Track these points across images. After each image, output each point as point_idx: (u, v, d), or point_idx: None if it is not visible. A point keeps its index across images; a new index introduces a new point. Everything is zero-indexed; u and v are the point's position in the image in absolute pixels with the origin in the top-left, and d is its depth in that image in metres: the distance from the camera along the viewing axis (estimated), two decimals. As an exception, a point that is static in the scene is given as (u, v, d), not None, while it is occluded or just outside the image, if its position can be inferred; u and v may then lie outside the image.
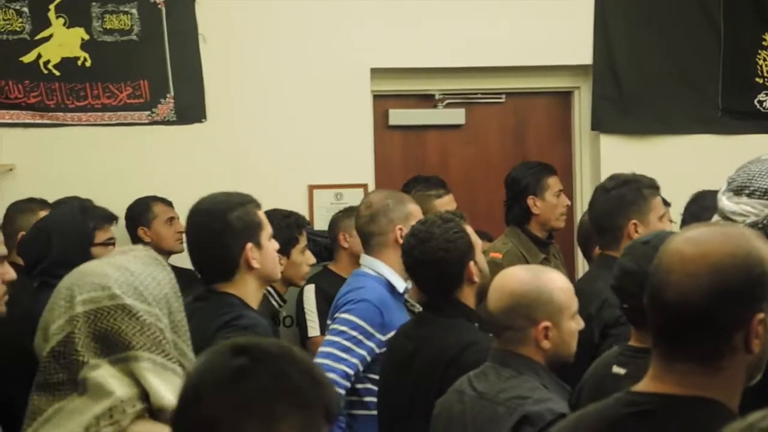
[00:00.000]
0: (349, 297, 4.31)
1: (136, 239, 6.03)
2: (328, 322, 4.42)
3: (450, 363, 3.56)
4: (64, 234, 4.29)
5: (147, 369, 2.21)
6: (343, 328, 4.19)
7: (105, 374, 2.21)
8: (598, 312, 4.10)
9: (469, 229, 3.83)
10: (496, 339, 3.24)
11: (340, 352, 4.14)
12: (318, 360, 4.11)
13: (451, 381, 3.40)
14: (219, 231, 3.48)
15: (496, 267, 5.05)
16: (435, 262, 3.71)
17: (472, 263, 3.74)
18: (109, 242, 5.14)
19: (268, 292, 4.86)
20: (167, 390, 2.18)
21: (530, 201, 5.67)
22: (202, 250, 3.57)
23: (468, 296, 3.76)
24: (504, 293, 3.20)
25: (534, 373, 3.14)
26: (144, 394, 2.22)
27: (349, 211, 6.00)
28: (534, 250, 5.46)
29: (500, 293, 3.21)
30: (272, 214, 5.00)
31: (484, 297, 3.78)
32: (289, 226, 5.18)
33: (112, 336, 2.23)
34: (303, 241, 5.25)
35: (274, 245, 3.60)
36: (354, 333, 4.16)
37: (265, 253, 3.52)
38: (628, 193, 4.41)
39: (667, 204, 4.81)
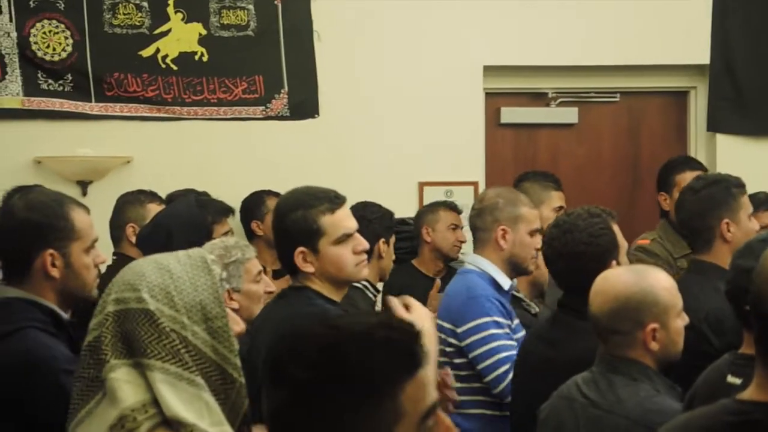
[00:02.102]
0: (467, 296, 4.26)
1: (249, 232, 6.10)
2: (444, 324, 4.36)
3: (583, 367, 3.46)
4: (183, 228, 4.32)
5: (158, 379, 2.19)
6: (494, 331, 4.13)
7: (120, 378, 2.20)
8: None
9: (616, 229, 3.72)
10: (603, 343, 3.15)
11: (508, 341, 4.12)
12: (488, 361, 4.11)
13: None
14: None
15: (646, 253, 5.01)
16: (575, 255, 3.60)
17: (613, 263, 3.60)
18: (227, 235, 5.18)
19: (364, 286, 4.85)
20: (177, 400, 2.14)
21: (660, 197, 5.56)
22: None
23: None
24: (609, 297, 3.11)
25: (646, 378, 3.07)
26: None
27: (433, 206, 6.01)
28: (680, 244, 5.31)
29: (605, 297, 3.12)
30: (366, 211, 5.04)
31: None
32: (382, 219, 5.17)
33: (133, 340, 2.22)
34: (391, 235, 5.24)
35: (354, 247, 3.56)
36: (497, 330, 4.12)
37: (323, 258, 3.50)
38: (718, 193, 4.27)
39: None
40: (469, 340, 4.21)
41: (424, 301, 5.50)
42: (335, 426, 1.64)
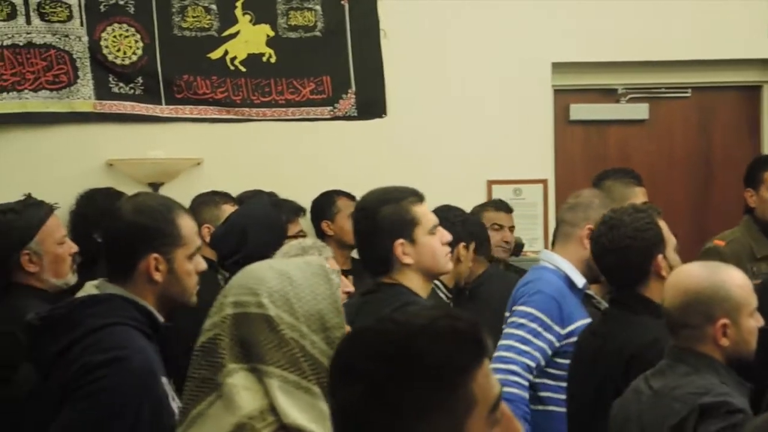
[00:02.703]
0: (526, 290, 4.28)
1: (319, 232, 6.12)
2: (506, 314, 4.39)
3: (631, 360, 3.50)
4: (258, 228, 4.37)
5: (277, 386, 2.18)
6: (523, 320, 4.15)
7: (238, 384, 2.20)
8: None
9: (663, 225, 3.75)
10: (673, 337, 3.18)
11: (522, 345, 4.11)
12: (499, 353, 4.11)
13: (632, 379, 3.35)
14: (369, 229, 3.59)
15: (717, 255, 4.96)
16: (621, 250, 3.65)
17: (660, 257, 3.65)
18: (300, 235, 5.21)
19: (436, 285, 4.86)
20: (294, 408, 2.14)
21: (747, 193, 5.48)
22: (360, 245, 3.71)
23: (655, 291, 3.64)
24: (680, 290, 3.13)
25: (713, 371, 3.07)
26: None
27: (486, 204, 5.97)
28: (763, 242, 5.25)
29: (676, 290, 3.14)
30: (441, 210, 5.04)
31: None
32: (464, 224, 5.16)
33: (252, 345, 2.22)
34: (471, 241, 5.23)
35: (441, 238, 3.63)
36: (533, 325, 4.12)
37: (420, 248, 3.56)
38: None
39: None
40: (511, 319, 4.24)
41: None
42: (411, 418, 1.64)
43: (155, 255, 3.03)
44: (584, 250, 4.25)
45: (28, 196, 4.40)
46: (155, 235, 3.04)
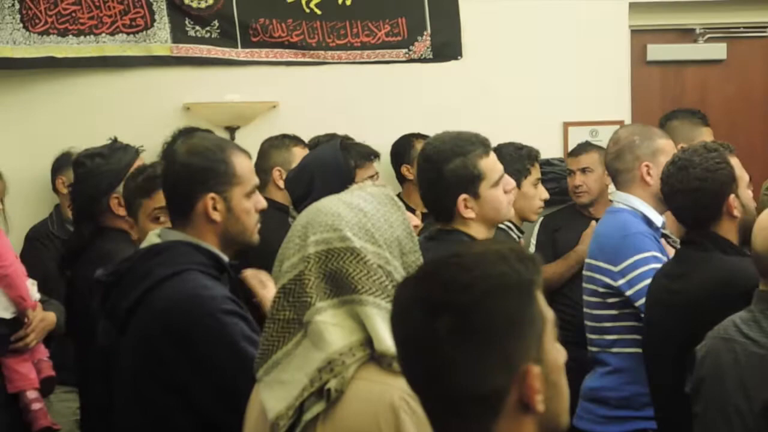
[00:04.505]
0: (617, 236, 4.22)
1: (399, 176, 6.13)
2: (595, 262, 4.32)
3: (711, 298, 3.46)
4: (325, 172, 4.39)
5: (372, 313, 2.21)
6: (654, 265, 4.04)
7: (327, 321, 2.22)
8: None
9: (735, 162, 3.69)
10: (763, 280, 3.11)
11: None
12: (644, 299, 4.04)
13: (712, 317, 3.27)
14: (434, 180, 3.59)
15: None
16: (691, 191, 3.61)
17: (732, 197, 3.61)
18: (373, 179, 5.21)
19: (507, 227, 4.84)
20: (389, 335, 2.19)
21: None
22: (424, 194, 3.69)
23: (728, 230, 3.63)
24: None
25: None
26: (368, 340, 2.22)
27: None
28: None
29: (766, 232, 3.06)
30: (504, 147, 5.01)
31: (746, 234, 3.67)
32: (520, 158, 5.12)
33: (341, 278, 2.24)
34: (535, 173, 5.17)
35: (505, 186, 3.62)
36: (657, 265, 4.02)
37: (483, 202, 3.56)
38: None
39: None
40: (628, 277, 4.15)
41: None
42: (502, 338, 1.70)
43: (212, 194, 3.06)
44: (649, 186, 4.22)
45: (114, 141, 4.45)
46: (210, 175, 3.07)
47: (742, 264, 3.48)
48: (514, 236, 4.97)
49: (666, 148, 4.30)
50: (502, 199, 3.63)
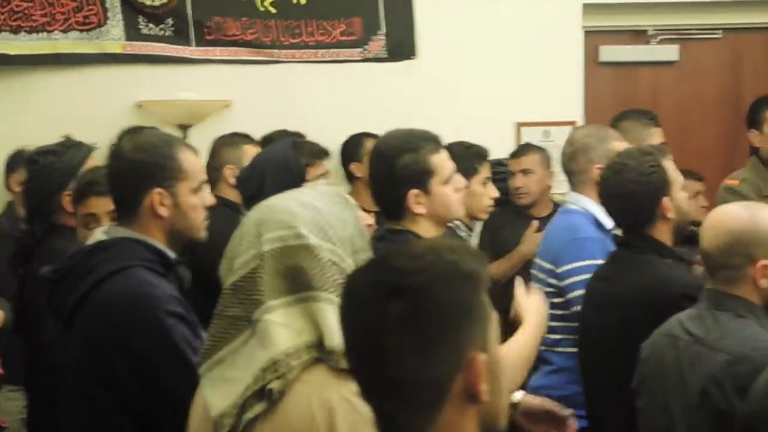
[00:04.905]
0: (566, 240, 4.27)
1: (348, 174, 6.14)
2: (542, 263, 4.36)
3: (641, 300, 3.52)
4: (276, 170, 4.38)
5: (326, 309, 2.20)
6: (588, 275, 4.08)
7: (276, 321, 2.22)
8: None
9: (670, 165, 3.74)
10: (711, 279, 3.15)
11: None
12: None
13: (642, 319, 3.37)
14: (385, 176, 3.56)
15: (735, 194, 4.97)
16: (626, 195, 3.67)
17: (666, 199, 3.66)
18: (323, 177, 5.21)
19: (456, 225, 4.86)
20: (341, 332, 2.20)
21: (750, 134, 5.50)
22: (375, 190, 3.66)
23: (663, 233, 3.68)
24: (720, 231, 3.10)
25: (753, 315, 3.05)
26: (316, 342, 2.21)
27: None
28: None
29: (716, 231, 3.11)
30: (453, 145, 5.02)
31: (680, 235, 3.74)
32: (469, 157, 5.13)
33: (297, 275, 2.24)
34: (484, 172, 5.19)
35: (455, 184, 3.61)
36: None
37: (434, 198, 3.54)
38: None
39: None
40: (568, 281, 4.22)
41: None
42: (451, 324, 1.71)
43: (158, 190, 3.05)
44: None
45: (68, 138, 4.43)
46: (156, 170, 3.06)
47: (674, 270, 3.58)
48: (463, 235, 4.99)
49: (620, 149, 4.32)
50: (453, 197, 3.61)
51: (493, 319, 1.78)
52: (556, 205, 5.77)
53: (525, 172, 5.82)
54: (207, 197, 3.18)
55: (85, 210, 3.80)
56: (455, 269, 1.73)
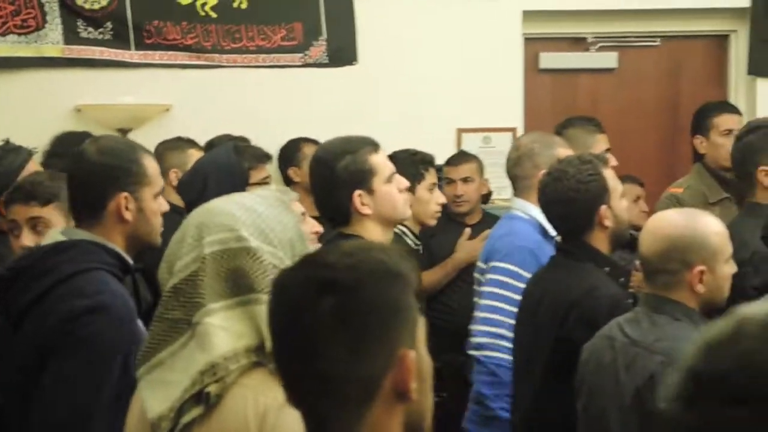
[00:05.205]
0: (503, 244, 4.30)
1: (287, 179, 6.13)
2: (482, 265, 4.40)
3: (571, 307, 3.57)
4: (219, 174, 4.37)
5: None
6: (506, 278, 4.18)
7: (216, 324, 2.22)
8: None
9: (610, 173, 3.78)
10: (648, 284, 3.21)
11: (507, 306, 4.13)
12: (485, 314, 4.17)
13: (570, 325, 3.45)
14: (327, 180, 3.58)
15: (677, 202, 5.02)
16: (565, 202, 3.70)
17: (604, 207, 3.70)
18: (265, 181, 5.20)
19: (402, 231, 4.87)
20: None
21: (696, 140, 5.54)
22: (318, 196, 3.68)
23: (599, 240, 3.73)
24: (658, 237, 3.16)
25: (689, 319, 3.10)
26: (255, 346, 2.22)
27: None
28: (715, 188, 5.30)
29: (654, 237, 3.17)
30: (399, 152, 5.04)
31: (619, 241, 3.78)
32: (414, 163, 5.15)
33: (239, 277, 2.24)
34: (430, 178, 5.20)
35: (398, 185, 3.63)
36: (518, 283, 4.11)
37: (378, 198, 3.55)
38: (757, 140, 4.31)
39: None
40: (490, 276, 4.27)
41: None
42: (382, 321, 1.72)
43: (125, 194, 3.04)
44: None
45: (6, 142, 4.38)
46: (122, 174, 3.05)
47: (604, 280, 3.63)
48: (410, 242, 4.99)
49: (564, 156, 4.34)
50: (397, 197, 3.63)
51: (421, 321, 1.79)
52: (485, 213, 5.81)
53: (465, 180, 5.83)
54: (163, 203, 3.18)
55: (10, 216, 3.77)
56: (385, 268, 1.74)
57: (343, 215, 3.60)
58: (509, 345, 4.05)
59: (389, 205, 3.60)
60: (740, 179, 4.47)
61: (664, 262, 3.13)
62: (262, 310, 2.20)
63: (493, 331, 4.14)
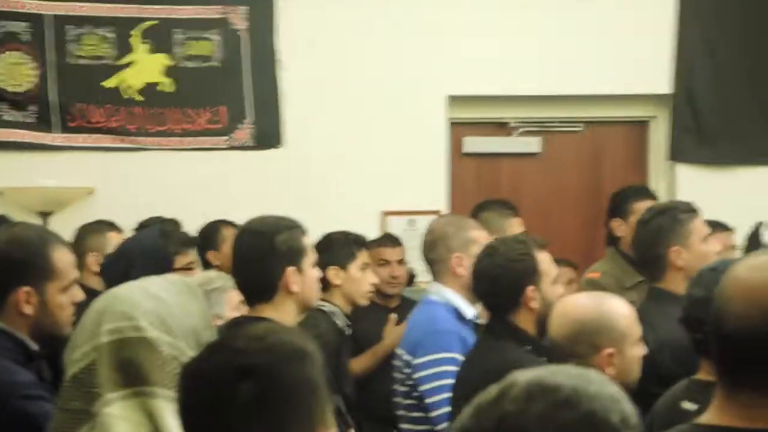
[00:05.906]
0: (427, 333, 4.26)
1: (205, 262, 6.07)
2: (404, 355, 4.35)
3: (477, 386, 3.52)
4: (143, 258, 4.33)
5: (161, 407, 2.18)
6: (445, 367, 4.10)
7: (116, 414, 2.19)
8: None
9: (545, 257, 3.80)
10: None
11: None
12: (443, 410, 4.07)
13: None
14: (264, 252, 3.52)
15: (597, 287, 5.03)
16: (492, 278, 3.72)
17: (531, 288, 3.70)
18: (189, 267, 5.15)
19: (332, 312, 4.85)
20: (177, 429, 2.16)
21: (614, 223, 5.58)
22: (246, 270, 3.59)
23: (525, 321, 3.72)
24: (567, 320, 3.18)
25: None
26: None
27: (372, 242, 5.85)
28: (630, 273, 5.32)
29: (563, 320, 3.19)
30: (333, 233, 5.05)
31: (544, 326, 3.77)
32: (347, 243, 5.15)
33: (133, 369, 2.21)
34: (362, 258, 5.20)
35: (317, 273, 3.63)
36: (450, 367, 4.06)
37: (305, 279, 3.54)
38: (665, 222, 4.34)
39: (727, 229, 4.74)
40: (422, 373, 4.21)
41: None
42: (302, 402, 1.73)
43: (26, 288, 3.01)
44: (460, 277, 4.27)
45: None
46: (26, 268, 3.02)
47: (523, 360, 3.54)
48: (340, 324, 4.95)
49: (479, 239, 4.32)
50: (317, 283, 3.63)
51: (330, 398, 1.78)
52: (403, 297, 5.80)
53: (401, 262, 5.83)
54: (77, 294, 3.14)
55: None
56: (296, 348, 1.74)
57: (269, 291, 3.53)
58: None
59: (313, 288, 3.59)
60: (646, 263, 4.47)
61: (572, 345, 3.15)
62: (156, 406, 2.17)
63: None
